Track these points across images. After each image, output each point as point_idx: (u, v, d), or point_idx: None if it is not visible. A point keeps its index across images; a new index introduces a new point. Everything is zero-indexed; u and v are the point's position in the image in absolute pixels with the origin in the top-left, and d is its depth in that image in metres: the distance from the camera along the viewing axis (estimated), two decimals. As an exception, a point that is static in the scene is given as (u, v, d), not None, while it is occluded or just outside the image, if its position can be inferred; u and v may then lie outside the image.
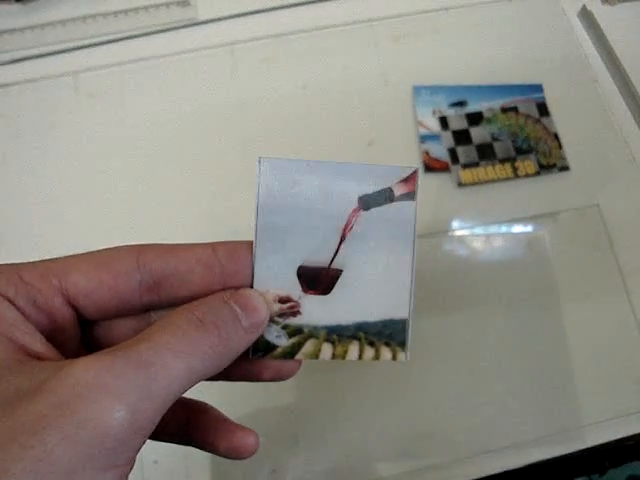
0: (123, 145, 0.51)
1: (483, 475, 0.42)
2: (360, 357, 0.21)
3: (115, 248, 0.20)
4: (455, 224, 0.49)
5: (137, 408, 0.16)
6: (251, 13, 0.58)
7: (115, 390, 0.15)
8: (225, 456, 0.22)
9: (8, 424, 0.15)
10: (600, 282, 0.48)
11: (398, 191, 0.21)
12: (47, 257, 0.20)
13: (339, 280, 0.21)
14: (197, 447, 0.23)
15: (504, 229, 0.49)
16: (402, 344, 0.22)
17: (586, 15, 0.59)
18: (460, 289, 0.48)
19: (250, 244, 0.21)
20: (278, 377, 0.22)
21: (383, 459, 0.42)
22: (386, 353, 0.22)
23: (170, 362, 0.17)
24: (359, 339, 0.21)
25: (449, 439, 0.43)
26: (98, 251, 0.20)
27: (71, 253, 0.20)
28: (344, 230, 0.21)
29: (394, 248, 0.21)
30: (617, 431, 0.43)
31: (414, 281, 0.21)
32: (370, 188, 0.21)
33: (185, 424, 0.23)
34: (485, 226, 0.49)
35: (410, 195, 0.21)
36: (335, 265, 0.21)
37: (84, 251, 0.21)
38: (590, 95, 0.56)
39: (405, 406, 0.44)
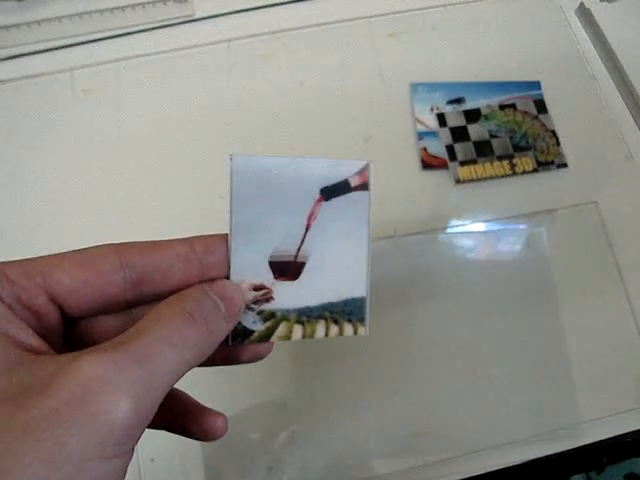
0: (119, 142, 0.51)
1: (481, 472, 0.41)
2: (327, 334, 0.24)
3: (97, 247, 0.21)
4: (453, 221, 0.49)
5: (141, 400, 0.17)
6: (248, 10, 0.58)
7: (121, 385, 0.16)
8: (196, 439, 0.23)
9: (20, 419, 0.15)
10: (598, 279, 0.48)
11: (354, 182, 0.23)
12: (43, 253, 0.20)
13: (306, 266, 0.23)
14: (169, 431, 0.23)
15: (502, 226, 0.49)
16: (362, 319, 0.24)
17: (584, 12, 0.59)
18: (457, 286, 0.47)
19: (224, 237, 0.22)
20: (255, 358, 0.24)
21: (380, 456, 0.42)
22: (348, 329, 0.24)
23: (167, 355, 0.18)
24: (325, 318, 0.23)
25: (447, 436, 0.43)
26: (81, 250, 0.21)
27: (66, 250, 0.21)
28: (309, 220, 0.23)
29: (352, 234, 0.23)
30: (615, 428, 0.43)
31: (370, 263, 0.24)
32: (331, 180, 0.22)
33: (158, 410, 0.23)
34: (483, 223, 0.49)
35: (364, 185, 0.23)
36: (302, 253, 0.23)
37: (79, 248, 0.21)
38: (588, 92, 0.56)
39: (403, 403, 0.44)
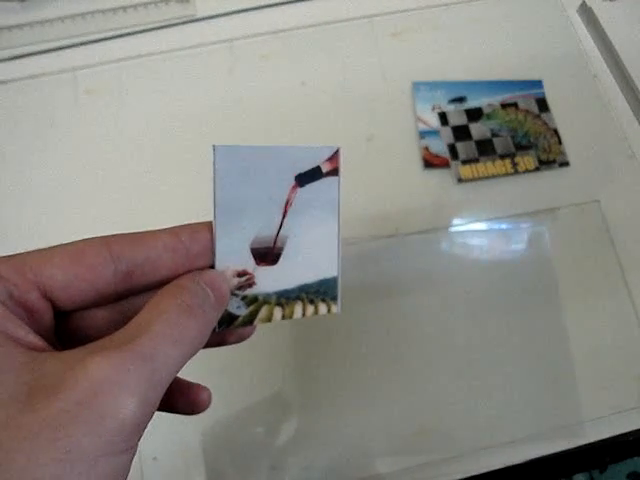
0: (121, 141, 0.51)
1: (483, 471, 0.41)
2: (304, 314, 0.25)
3: (86, 240, 0.21)
4: (455, 220, 0.49)
5: (146, 397, 0.17)
6: (250, 9, 0.58)
7: (128, 385, 0.17)
8: (183, 413, 0.24)
9: (31, 419, 0.16)
10: (600, 278, 0.48)
11: (325, 168, 0.24)
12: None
13: (283, 250, 0.24)
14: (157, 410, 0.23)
15: (504, 225, 0.49)
16: (334, 298, 0.25)
17: (586, 11, 0.59)
18: (459, 285, 0.47)
19: (208, 224, 0.23)
20: (240, 339, 0.25)
21: (383, 455, 0.42)
22: (322, 308, 0.25)
23: (169, 351, 0.18)
24: (302, 299, 0.25)
25: (449, 435, 0.43)
26: (71, 244, 0.21)
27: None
28: (285, 206, 0.23)
29: (323, 218, 0.24)
30: (618, 427, 0.43)
31: (340, 244, 0.25)
32: (304, 167, 0.23)
33: None
34: (485, 222, 0.49)
35: (335, 171, 0.24)
36: (280, 238, 0.24)
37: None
38: (590, 91, 0.56)
39: (405, 403, 0.44)
